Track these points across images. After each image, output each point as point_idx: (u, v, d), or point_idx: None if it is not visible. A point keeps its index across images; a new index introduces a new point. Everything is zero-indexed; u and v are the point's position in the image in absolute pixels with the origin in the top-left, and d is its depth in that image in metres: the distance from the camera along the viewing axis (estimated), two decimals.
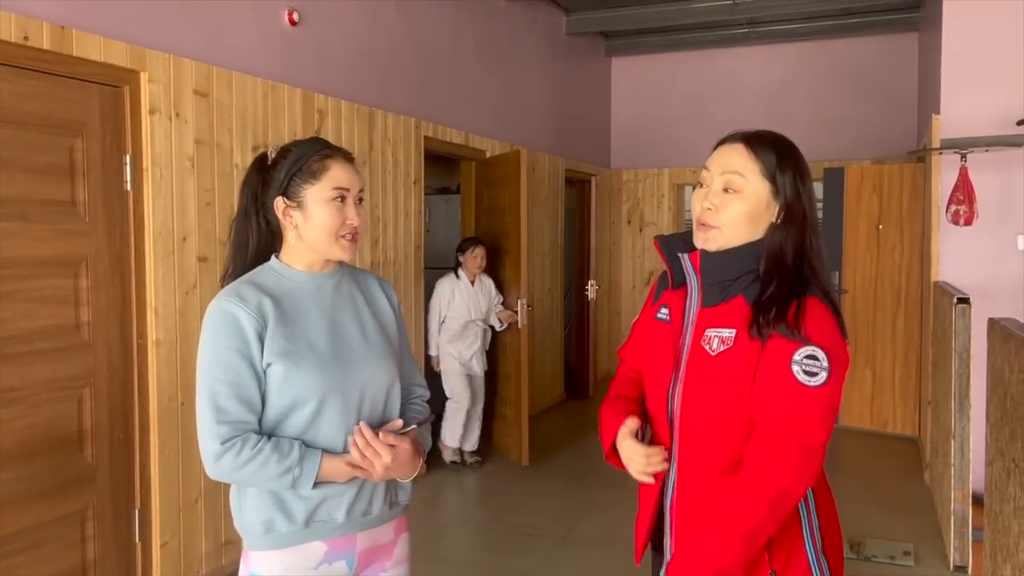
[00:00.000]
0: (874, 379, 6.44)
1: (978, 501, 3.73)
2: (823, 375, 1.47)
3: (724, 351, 1.55)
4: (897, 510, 4.75)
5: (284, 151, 1.76)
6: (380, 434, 1.67)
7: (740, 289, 1.60)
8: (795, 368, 1.48)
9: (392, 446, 1.67)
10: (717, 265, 1.62)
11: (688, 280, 1.67)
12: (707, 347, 1.57)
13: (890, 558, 4.04)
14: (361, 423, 1.68)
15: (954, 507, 3.88)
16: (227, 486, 3.77)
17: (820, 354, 1.49)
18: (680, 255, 1.67)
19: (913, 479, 5.38)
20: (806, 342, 1.49)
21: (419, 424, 1.79)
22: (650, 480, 1.64)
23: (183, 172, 3.55)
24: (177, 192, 3.52)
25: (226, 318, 1.64)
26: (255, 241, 1.78)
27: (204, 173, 3.66)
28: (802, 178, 1.63)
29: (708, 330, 1.60)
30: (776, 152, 1.63)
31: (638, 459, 1.63)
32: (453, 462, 5.64)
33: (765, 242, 1.62)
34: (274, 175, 1.73)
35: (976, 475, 3.93)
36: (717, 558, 1.47)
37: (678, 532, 1.61)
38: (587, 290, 7.96)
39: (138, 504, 3.42)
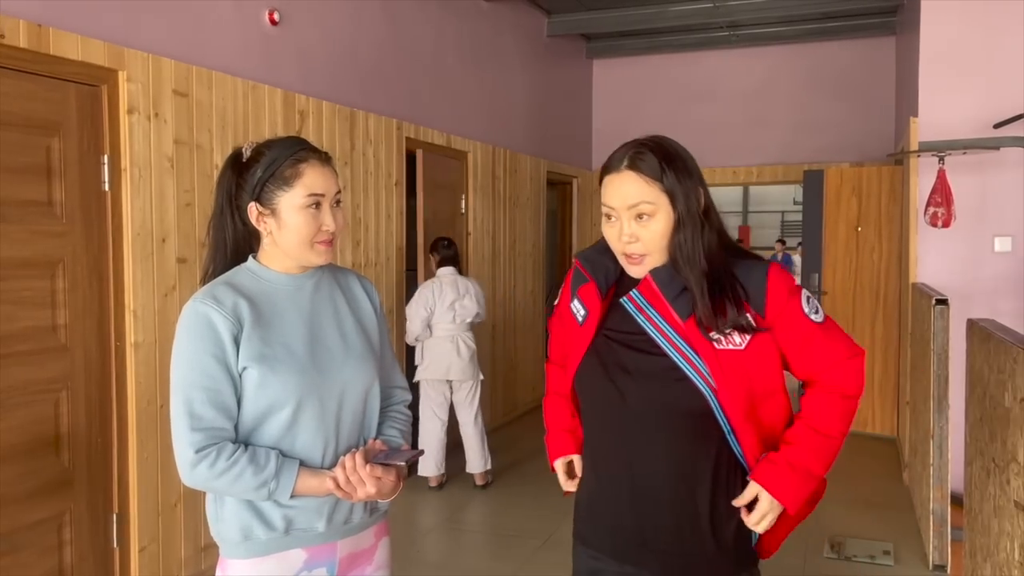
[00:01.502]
0: None
1: (956, 501, 3.76)
2: (821, 308, 1.71)
3: (751, 338, 1.62)
4: (876, 510, 4.79)
5: (257, 152, 1.69)
6: (369, 466, 1.64)
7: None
8: (812, 317, 1.66)
9: (378, 478, 1.64)
10: (670, 277, 1.65)
11: (642, 314, 1.67)
12: (731, 346, 1.61)
13: (870, 557, 4.07)
14: (356, 452, 1.65)
15: (933, 507, 3.91)
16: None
17: (808, 294, 1.70)
18: (629, 296, 1.68)
19: (892, 479, 5.42)
20: (797, 293, 1.66)
21: (408, 462, 1.73)
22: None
23: (162, 173, 3.51)
24: (156, 193, 3.49)
25: (201, 320, 1.60)
26: (232, 241, 1.73)
27: (183, 174, 3.63)
28: (688, 174, 1.65)
29: (713, 334, 1.61)
30: (658, 161, 1.63)
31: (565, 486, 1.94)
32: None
33: (678, 246, 1.64)
34: (247, 178, 1.67)
35: (954, 475, 3.96)
36: (827, 456, 1.65)
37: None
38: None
39: (116, 509, 3.37)
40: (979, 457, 2.62)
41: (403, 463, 1.69)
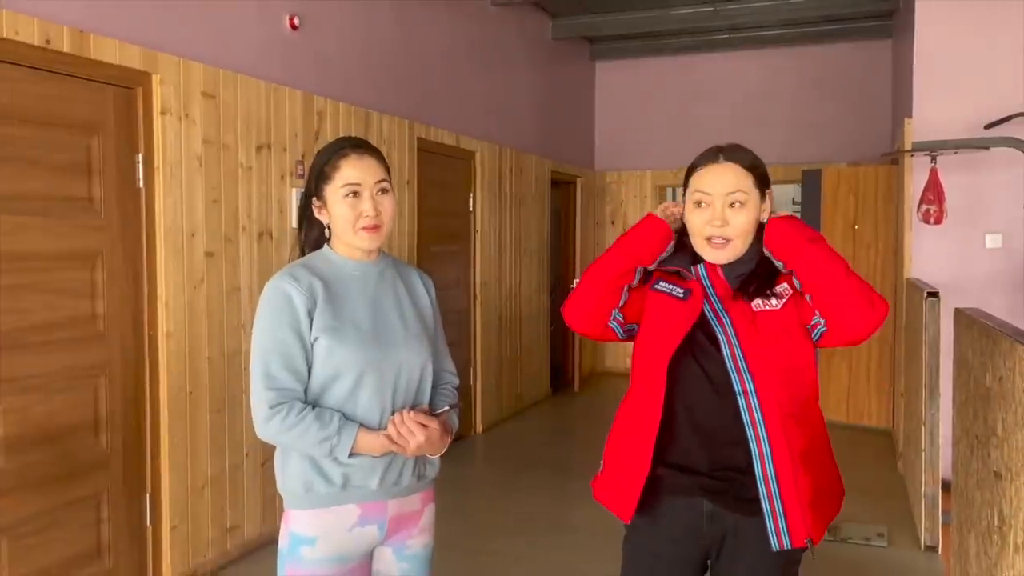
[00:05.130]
0: (850, 374, 6.68)
1: (946, 488, 3.94)
2: None
3: (787, 300, 1.86)
4: (872, 497, 4.97)
5: (316, 155, 1.97)
6: (414, 413, 1.86)
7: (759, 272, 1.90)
8: None
9: (424, 426, 1.85)
10: (736, 267, 1.89)
11: (703, 283, 1.90)
12: (767, 307, 1.85)
13: (865, 540, 4.25)
14: (404, 410, 1.87)
15: (924, 490, 4.09)
16: (231, 474, 3.96)
17: None
18: (696, 267, 1.90)
19: (887, 468, 5.61)
20: None
21: (451, 408, 2.00)
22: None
23: (192, 171, 3.69)
24: (186, 190, 3.67)
25: (280, 296, 1.83)
26: (308, 234, 1.99)
27: (211, 172, 3.81)
28: (767, 178, 1.91)
29: (756, 301, 1.85)
30: (754, 160, 1.88)
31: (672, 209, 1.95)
32: None
33: (762, 239, 1.89)
34: (311, 178, 1.95)
35: (945, 462, 4.14)
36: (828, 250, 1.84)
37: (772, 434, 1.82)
38: (572, 288, 8.14)
39: (149, 489, 3.56)
40: (964, 436, 2.80)
41: (447, 408, 1.97)
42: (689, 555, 1.94)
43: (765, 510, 1.81)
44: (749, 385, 1.80)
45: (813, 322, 1.86)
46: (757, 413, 1.80)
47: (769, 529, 1.81)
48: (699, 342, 1.88)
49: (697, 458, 1.88)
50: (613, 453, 2.00)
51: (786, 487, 1.80)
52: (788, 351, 1.83)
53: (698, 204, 1.86)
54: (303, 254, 1.99)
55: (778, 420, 1.80)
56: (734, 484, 1.85)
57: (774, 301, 1.85)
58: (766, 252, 1.87)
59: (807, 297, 1.84)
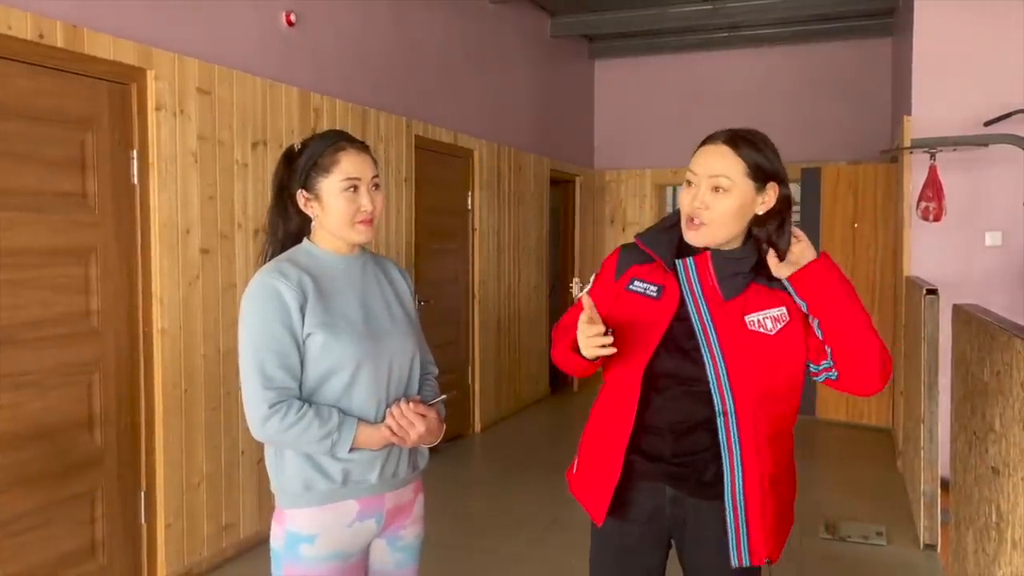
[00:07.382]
0: None
1: (946, 486, 3.92)
2: None
3: (782, 328, 1.79)
4: (871, 495, 4.95)
5: (303, 146, 1.92)
6: (412, 403, 1.86)
7: (756, 275, 1.82)
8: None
9: (423, 416, 1.86)
10: (729, 261, 1.81)
11: (687, 279, 1.83)
12: (762, 329, 1.78)
13: (864, 538, 4.23)
14: (400, 401, 1.87)
15: (924, 488, 4.07)
16: (226, 471, 3.93)
17: None
18: (684, 260, 1.83)
19: (886, 467, 5.59)
20: None
21: (446, 397, 2.00)
22: (604, 351, 1.72)
23: (187, 167, 3.68)
24: (181, 186, 3.65)
25: (269, 292, 1.79)
26: (284, 227, 1.95)
27: (207, 168, 3.79)
28: (776, 171, 1.81)
29: (749, 316, 1.78)
30: (757, 151, 1.77)
31: (590, 332, 1.71)
32: None
33: (757, 234, 1.82)
34: (295, 169, 1.90)
35: (944, 460, 4.12)
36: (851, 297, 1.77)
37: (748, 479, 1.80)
38: (571, 287, 8.12)
39: (143, 486, 3.54)
40: (963, 432, 2.78)
41: (441, 399, 1.98)
42: (654, 535, 1.95)
43: (730, 529, 1.80)
44: (730, 407, 1.77)
45: (822, 366, 1.81)
46: (734, 435, 1.78)
47: (731, 547, 1.81)
48: (674, 337, 1.83)
49: (661, 445, 1.87)
50: (587, 454, 1.99)
51: (752, 511, 1.79)
52: (773, 376, 1.78)
53: (688, 183, 1.82)
54: (283, 248, 1.95)
55: (752, 444, 1.78)
56: (696, 468, 1.85)
57: (769, 324, 1.79)
58: (789, 290, 1.79)
59: (827, 349, 1.78)
